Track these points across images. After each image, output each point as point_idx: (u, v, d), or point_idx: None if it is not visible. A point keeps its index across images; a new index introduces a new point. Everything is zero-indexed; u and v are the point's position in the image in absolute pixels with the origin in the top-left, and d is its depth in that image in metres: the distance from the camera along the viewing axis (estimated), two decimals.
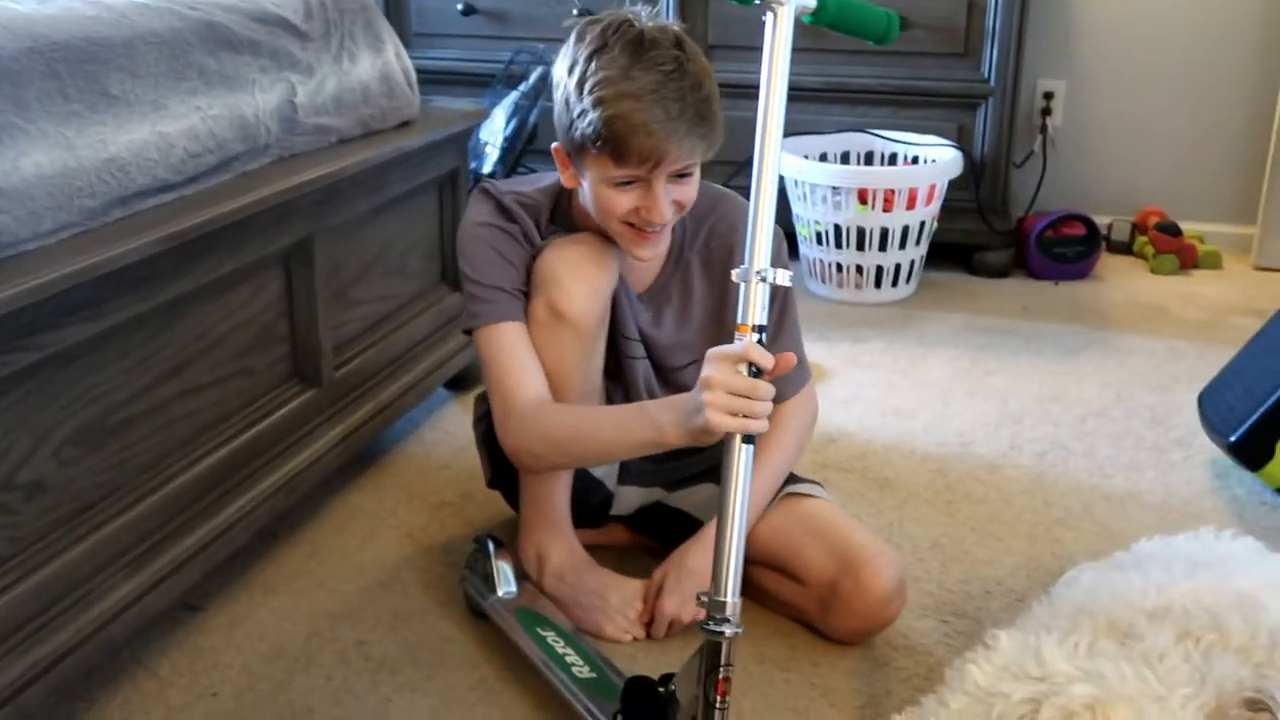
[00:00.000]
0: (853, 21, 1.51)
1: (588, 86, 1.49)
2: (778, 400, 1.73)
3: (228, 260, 1.68)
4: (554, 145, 1.60)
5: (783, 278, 1.37)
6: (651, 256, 1.63)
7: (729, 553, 1.33)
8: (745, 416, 1.35)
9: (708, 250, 1.71)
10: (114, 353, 1.50)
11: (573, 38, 1.54)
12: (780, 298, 1.70)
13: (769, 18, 1.38)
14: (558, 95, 1.55)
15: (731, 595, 1.33)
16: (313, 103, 1.94)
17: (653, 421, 1.49)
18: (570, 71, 1.52)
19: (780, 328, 1.71)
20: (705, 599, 1.34)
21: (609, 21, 1.52)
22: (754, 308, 1.37)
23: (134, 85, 1.60)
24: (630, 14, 1.51)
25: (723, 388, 1.36)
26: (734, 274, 1.38)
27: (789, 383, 1.73)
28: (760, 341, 1.36)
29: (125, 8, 1.67)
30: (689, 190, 1.57)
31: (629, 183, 1.52)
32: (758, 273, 1.36)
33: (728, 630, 1.32)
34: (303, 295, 1.89)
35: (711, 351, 1.40)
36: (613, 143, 1.48)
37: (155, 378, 1.58)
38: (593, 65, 1.49)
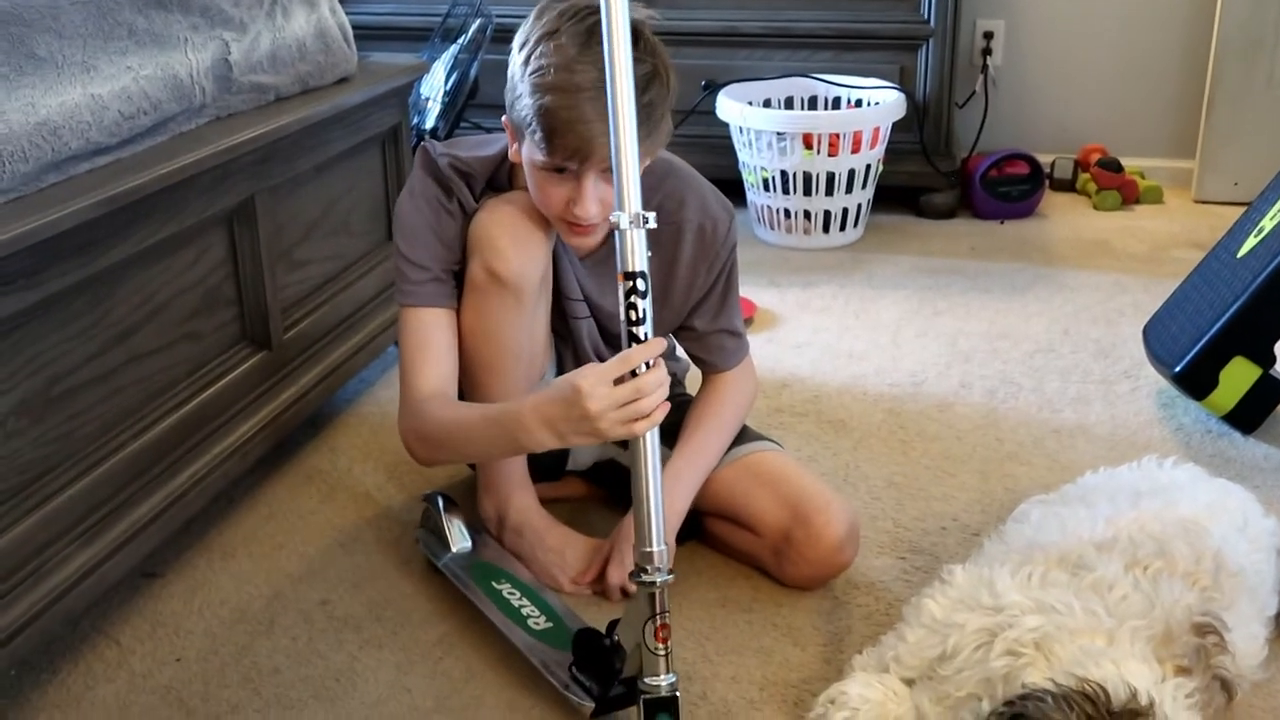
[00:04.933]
0: None
1: (530, 69, 1.47)
2: (716, 372, 1.75)
3: (168, 223, 1.65)
4: (504, 118, 1.58)
5: (651, 220, 1.36)
6: (588, 246, 1.62)
7: (649, 505, 1.35)
8: (641, 418, 1.37)
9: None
10: (54, 321, 1.47)
11: (534, 13, 1.51)
12: (727, 270, 1.71)
13: None
14: (510, 69, 1.53)
15: (657, 544, 1.35)
16: (248, 60, 1.90)
17: (523, 426, 1.46)
18: (521, 49, 1.50)
19: (725, 300, 1.72)
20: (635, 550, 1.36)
21: (569, 5, 1.48)
22: (631, 254, 1.35)
23: (61, 46, 1.56)
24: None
25: (610, 407, 1.37)
26: (611, 218, 1.36)
27: (728, 355, 1.75)
28: (636, 289, 1.35)
29: None
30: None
31: (559, 170, 1.51)
32: (632, 217, 1.34)
33: (658, 578, 1.34)
34: (248, 257, 1.86)
35: (584, 381, 1.39)
36: (543, 132, 1.46)
37: (99, 345, 1.56)
38: (540, 49, 1.47)
